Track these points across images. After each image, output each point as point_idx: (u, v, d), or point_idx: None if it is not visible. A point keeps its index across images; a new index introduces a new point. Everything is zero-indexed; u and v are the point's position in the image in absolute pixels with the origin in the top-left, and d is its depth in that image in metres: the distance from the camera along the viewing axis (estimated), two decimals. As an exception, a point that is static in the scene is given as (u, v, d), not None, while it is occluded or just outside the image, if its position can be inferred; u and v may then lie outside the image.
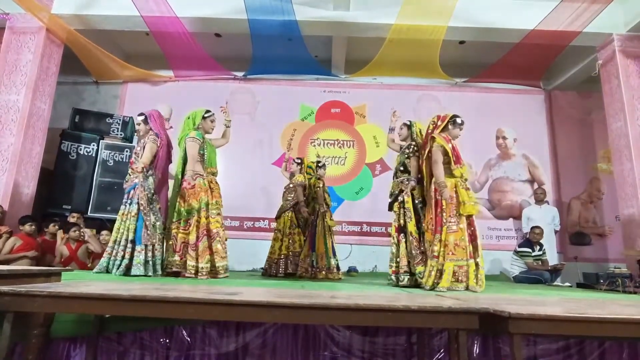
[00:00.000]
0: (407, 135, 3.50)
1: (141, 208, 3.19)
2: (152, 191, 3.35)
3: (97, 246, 4.10)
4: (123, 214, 3.22)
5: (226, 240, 3.38)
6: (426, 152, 3.20)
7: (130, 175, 3.35)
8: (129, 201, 3.24)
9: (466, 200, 2.95)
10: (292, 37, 5.05)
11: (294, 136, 6.16)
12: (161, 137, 3.44)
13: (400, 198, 3.26)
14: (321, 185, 4.38)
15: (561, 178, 5.97)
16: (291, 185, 4.49)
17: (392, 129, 3.69)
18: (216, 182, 3.47)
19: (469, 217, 2.98)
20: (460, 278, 2.84)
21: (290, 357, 1.99)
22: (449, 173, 3.06)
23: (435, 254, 2.88)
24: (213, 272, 3.20)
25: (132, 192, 3.25)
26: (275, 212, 4.58)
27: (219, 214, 3.34)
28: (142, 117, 3.47)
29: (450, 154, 3.07)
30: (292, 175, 4.60)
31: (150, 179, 3.35)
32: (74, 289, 1.41)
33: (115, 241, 3.18)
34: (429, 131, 3.28)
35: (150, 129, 3.44)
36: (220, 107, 3.74)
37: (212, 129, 3.58)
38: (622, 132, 4.73)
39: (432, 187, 3.08)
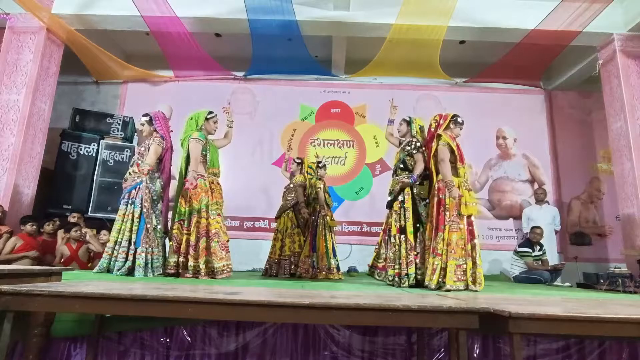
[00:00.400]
0: (406, 131, 3.45)
1: (144, 210, 3.18)
2: (159, 194, 3.35)
3: (98, 246, 4.10)
4: (124, 215, 3.20)
5: (227, 241, 3.36)
6: (433, 150, 3.19)
7: (130, 175, 3.34)
8: (129, 201, 3.22)
9: (468, 201, 2.98)
10: (292, 37, 5.05)
11: (294, 136, 6.16)
12: (166, 140, 3.44)
13: (400, 197, 3.24)
14: (322, 186, 4.37)
15: (561, 178, 5.97)
16: (291, 186, 4.48)
17: (391, 121, 3.62)
18: (218, 183, 3.45)
19: (468, 216, 3.01)
20: (460, 277, 2.88)
21: (290, 357, 1.99)
22: (455, 172, 3.09)
23: (439, 252, 2.90)
24: (212, 273, 3.18)
25: (132, 192, 3.24)
26: (275, 212, 4.58)
27: (219, 214, 3.32)
28: (147, 118, 3.44)
29: (456, 152, 3.09)
30: (292, 175, 4.60)
31: (158, 183, 3.35)
32: (74, 288, 1.41)
33: (116, 242, 3.16)
34: (433, 130, 3.28)
35: (155, 130, 3.43)
36: (222, 107, 3.74)
37: (215, 130, 3.57)
38: (623, 132, 4.73)
39: (436, 185, 3.10)
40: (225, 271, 3.22)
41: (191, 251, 3.17)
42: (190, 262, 3.15)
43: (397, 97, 6.03)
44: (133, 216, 3.17)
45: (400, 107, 3.74)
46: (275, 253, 4.28)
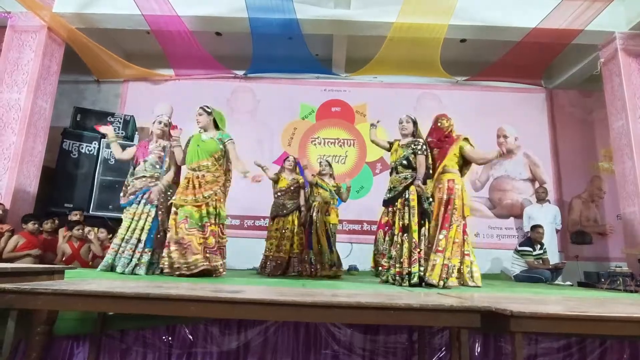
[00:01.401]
0: (412, 130, 3.40)
1: (159, 213, 3.23)
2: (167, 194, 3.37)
3: (98, 248, 4.09)
4: (135, 213, 3.19)
5: (178, 235, 3.05)
6: (454, 151, 3.33)
7: (146, 177, 3.33)
8: (144, 201, 3.23)
9: (465, 203, 3.16)
10: (292, 35, 5.04)
11: (295, 135, 6.16)
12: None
13: (405, 195, 3.20)
14: (311, 187, 4.42)
15: (562, 177, 5.96)
16: (292, 188, 4.50)
17: (374, 125, 3.77)
18: (197, 177, 3.21)
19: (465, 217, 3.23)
20: (457, 275, 3.09)
21: (292, 355, 2.00)
22: (462, 173, 3.35)
23: (440, 248, 2.98)
24: (170, 269, 3.00)
25: (148, 192, 3.26)
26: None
27: (176, 212, 3.13)
28: (170, 121, 3.52)
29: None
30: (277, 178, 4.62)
31: (174, 185, 3.39)
32: (77, 286, 1.41)
33: (123, 239, 3.14)
34: (448, 132, 3.43)
35: (170, 133, 3.46)
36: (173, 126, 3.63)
37: (199, 123, 3.41)
38: (624, 131, 4.72)
39: (447, 184, 3.22)
40: (179, 269, 2.95)
41: (172, 247, 3.04)
42: (164, 255, 3.02)
43: (398, 95, 6.10)
44: (149, 215, 3.19)
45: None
46: (281, 252, 4.20)
